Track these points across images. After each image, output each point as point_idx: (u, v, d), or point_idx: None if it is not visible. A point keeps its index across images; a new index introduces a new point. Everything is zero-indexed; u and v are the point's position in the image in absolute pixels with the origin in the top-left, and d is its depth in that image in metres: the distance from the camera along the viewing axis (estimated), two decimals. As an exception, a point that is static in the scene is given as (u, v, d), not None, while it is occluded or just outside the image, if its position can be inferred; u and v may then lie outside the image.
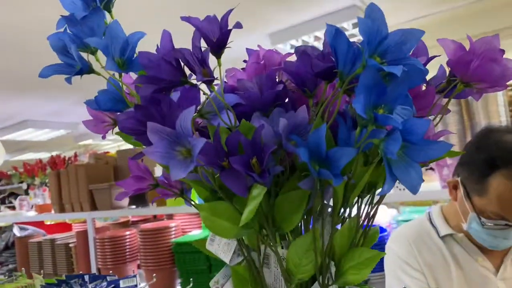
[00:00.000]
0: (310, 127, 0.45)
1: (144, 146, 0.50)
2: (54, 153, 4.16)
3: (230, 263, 0.51)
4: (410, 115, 0.35)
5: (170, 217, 3.45)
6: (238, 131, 0.43)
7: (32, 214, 4.08)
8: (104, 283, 1.20)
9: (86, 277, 1.31)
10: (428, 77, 0.49)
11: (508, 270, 1.15)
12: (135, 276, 1.23)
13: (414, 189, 0.37)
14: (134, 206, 3.31)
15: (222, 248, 0.51)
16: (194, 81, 0.45)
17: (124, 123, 0.41)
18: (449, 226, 1.21)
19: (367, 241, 0.50)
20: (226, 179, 0.41)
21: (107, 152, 4.16)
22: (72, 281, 1.30)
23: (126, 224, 3.88)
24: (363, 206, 0.51)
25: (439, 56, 0.47)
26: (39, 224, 4.11)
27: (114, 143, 5.59)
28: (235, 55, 0.63)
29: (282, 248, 0.50)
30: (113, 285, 1.18)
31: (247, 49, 0.53)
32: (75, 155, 4.05)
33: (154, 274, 1.95)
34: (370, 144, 0.40)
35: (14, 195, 4.84)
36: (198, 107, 0.47)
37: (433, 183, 2.19)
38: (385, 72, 0.36)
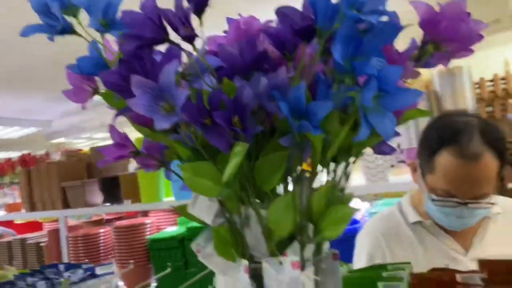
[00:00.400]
0: (289, 89, 0.47)
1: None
2: (25, 152, 4.06)
3: (212, 224, 0.52)
4: (384, 67, 0.37)
5: (145, 214, 3.42)
6: (221, 90, 0.44)
7: (1, 214, 3.97)
8: (80, 271, 1.18)
9: (61, 267, 1.29)
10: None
11: (478, 250, 1.19)
12: (111, 263, 1.22)
13: (388, 136, 0.39)
14: (108, 204, 3.26)
15: (204, 210, 0.52)
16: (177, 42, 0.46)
17: (108, 77, 0.42)
18: (418, 214, 1.25)
19: (344, 201, 0.52)
20: (209, 136, 0.43)
21: (80, 150, 4.09)
22: (46, 271, 1.28)
23: (99, 223, 3.81)
24: (339, 170, 0.53)
25: (412, 25, 0.50)
26: (8, 223, 4.00)
27: (88, 141, 5.50)
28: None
29: (263, 209, 0.51)
30: (89, 273, 1.17)
31: (227, 18, 0.55)
32: (47, 154, 3.97)
33: (132, 261, 1.94)
34: (347, 101, 0.42)
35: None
36: (180, 69, 0.47)
37: (405, 175, 2.24)
38: (362, 28, 0.38)
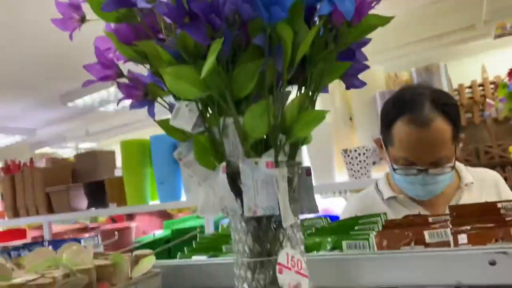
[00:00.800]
0: None
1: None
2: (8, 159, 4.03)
3: (192, 132, 0.55)
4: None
5: (131, 218, 3.42)
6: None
7: (-18, 222, 3.91)
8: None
9: (46, 243, 1.30)
10: None
11: (451, 217, 1.23)
12: (96, 236, 1.24)
13: (348, 14, 0.44)
14: (93, 208, 3.25)
15: (185, 120, 0.56)
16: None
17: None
18: (392, 190, 1.29)
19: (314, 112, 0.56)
20: (189, 30, 0.47)
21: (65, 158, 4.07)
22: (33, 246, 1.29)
23: (84, 230, 3.78)
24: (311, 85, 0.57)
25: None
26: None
27: (73, 151, 5.47)
28: None
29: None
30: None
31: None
32: (31, 161, 3.94)
33: (116, 232, 1.94)
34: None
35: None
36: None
37: (384, 171, 2.30)
38: None
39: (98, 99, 3.88)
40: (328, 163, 2.39)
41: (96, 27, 0.61)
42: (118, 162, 3.36)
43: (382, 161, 2.41)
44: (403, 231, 0.78)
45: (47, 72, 3.43)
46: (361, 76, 0.65)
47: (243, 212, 0.53)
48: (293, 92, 0.59)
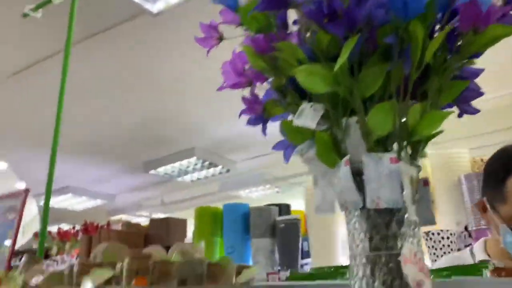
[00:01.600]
0: None
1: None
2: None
3: (316, 128, 0.59)
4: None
5: None
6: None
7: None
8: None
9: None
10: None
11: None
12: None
13: (485, 6, 0.47)
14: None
15: (309, 118, 0.59)
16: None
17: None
18: (487, 255, 1.21)
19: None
20: (329, 26, 0.53)
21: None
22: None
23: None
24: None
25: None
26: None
27: (147, 220, 5.67)
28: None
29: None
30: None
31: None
32: (108, 223, 4.12)
33: None
34: None
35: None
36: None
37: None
38: None
39: (178, 168, 4.08)
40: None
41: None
42: (189, 231, 3.42)
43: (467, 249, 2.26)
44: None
45: (135, 140, 3.71)
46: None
47: (364, 205, 0.54)
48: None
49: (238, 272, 0.72)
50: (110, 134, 3.62)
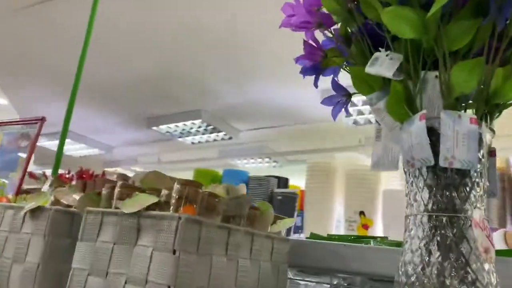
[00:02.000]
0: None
1: None
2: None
3: (392, 77, 0.55)
4: None
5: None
6: None
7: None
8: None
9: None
10: None
11: None
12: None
13: None
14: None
15: (385, 66, 0.56)
16: None
17: None
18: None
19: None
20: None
21: (135, 178, 4.20)
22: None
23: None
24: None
25: None
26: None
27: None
28: None
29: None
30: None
31: None
32: (103, 173, 4.10)
33: None
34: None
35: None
36: None
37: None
38: None
39: (181, 128, 4.04)
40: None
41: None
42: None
43: None
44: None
45: (143, 92, 3.64)
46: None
47: (436, 163, 0.51)
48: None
49: (273, 222, 0.70)
50: (118, 84, 3.55)
